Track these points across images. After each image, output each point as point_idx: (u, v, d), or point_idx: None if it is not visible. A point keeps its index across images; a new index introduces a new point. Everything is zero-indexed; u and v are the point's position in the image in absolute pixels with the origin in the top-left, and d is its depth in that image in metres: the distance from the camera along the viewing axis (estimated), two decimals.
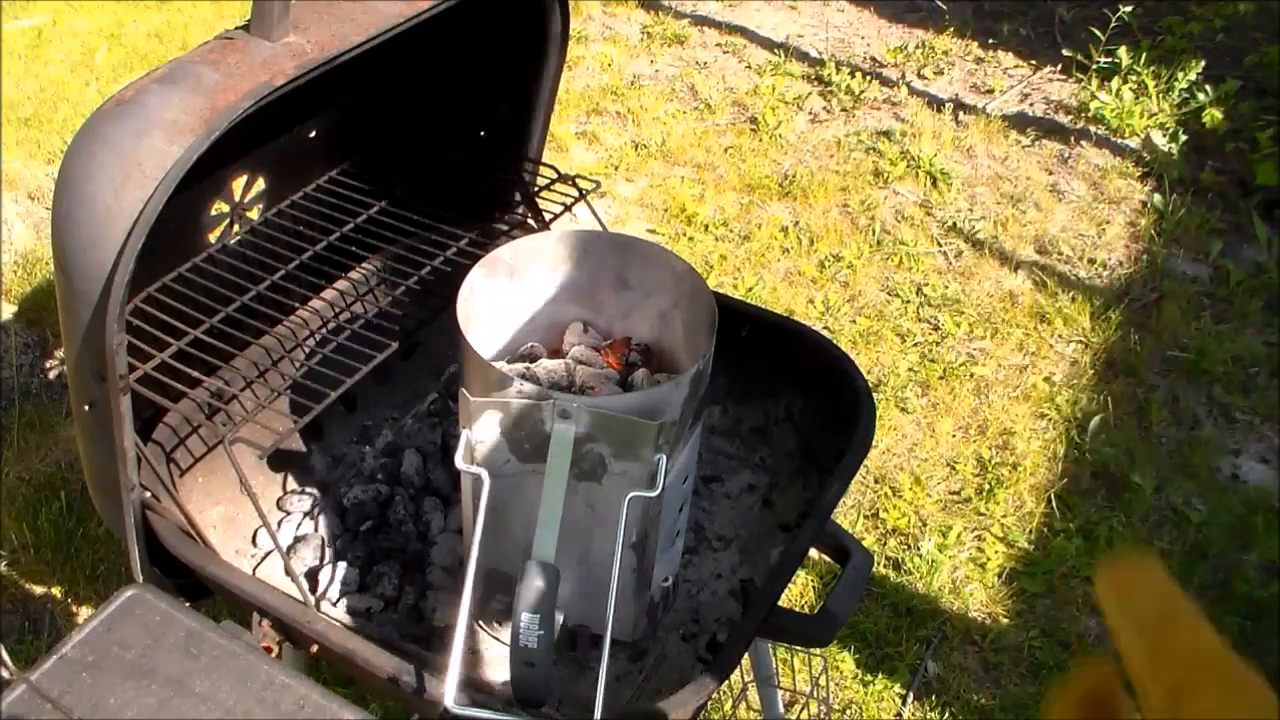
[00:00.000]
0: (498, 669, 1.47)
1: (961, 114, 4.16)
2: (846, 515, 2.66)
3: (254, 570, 1.61)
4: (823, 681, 2.18)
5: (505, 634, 1.49)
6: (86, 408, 1.38)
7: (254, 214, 1.72)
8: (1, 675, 1.23)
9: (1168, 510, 2.68)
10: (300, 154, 1.74)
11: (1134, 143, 4.00)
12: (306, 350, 1.70)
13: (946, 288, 3.34)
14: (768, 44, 4.60)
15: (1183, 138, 3.96)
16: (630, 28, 4.72)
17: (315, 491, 1.74)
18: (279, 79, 1.29)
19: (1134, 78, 4.20)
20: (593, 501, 1.33)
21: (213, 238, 1.67)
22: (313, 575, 1.61)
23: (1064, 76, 4.39)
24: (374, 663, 1.31)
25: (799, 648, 2.15)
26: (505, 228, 1.90)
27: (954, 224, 3.60)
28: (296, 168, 1.75)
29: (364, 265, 1.89)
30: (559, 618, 1.35)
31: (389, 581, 1.60)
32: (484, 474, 1.27)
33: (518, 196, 1.93)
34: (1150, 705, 0.42)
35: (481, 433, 1.28)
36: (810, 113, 4.19)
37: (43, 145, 3.81)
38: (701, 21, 4.75)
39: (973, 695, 2.30)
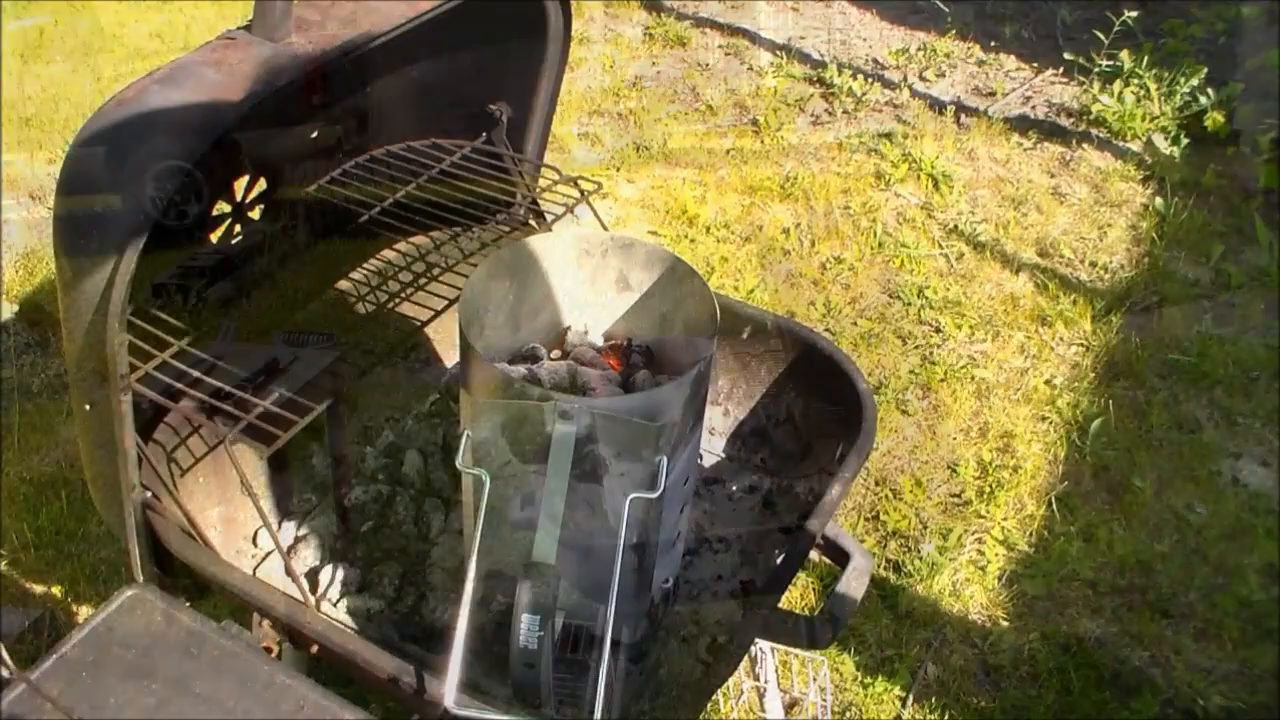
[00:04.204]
0: (498, 669, 1.47)
1: (963, 116, 4.15)
2: (847, 517, 2.66)
3: (254, 570, 1.61)
4: (823, 684, 2.18)
5: (505, 634, 1.48)
6: (87, 408, 1.38)
7: (254, 214, 1.72)
8: (1, 675, 1.23)
9: (1168, 513, 2.68)
10: (300, 154, 1.74)
11: (1136, 146, 4.00)
12: (307, 350, 1.70)
13: (948, 290, 3.34)
14: (770, 46, 4.60)
15: (1184, 141, 3.96)
16: (632, 29, 4.72)
17: (315, 492, 1.74)
18: (280, 79, 1.29)
19: (1136, 81, 4.20)
20: (593, 502, 1.33)
21: (213, 238, 1.67)
22: (313, 575, 1.61)
23: (1066, 79, 4.39)
24: (374, 663, 1.31)
25: (799, 650, 2.15)
26: (506, 228, 1.90)
27: (955, 226, 3.60)
28: (296, 168, 1.75)
29: (365, 265, 1.89)
30: (559, 618, 1.35)
31: (389, 582, 1.60)
32: (485, 475, 1.27)
33: (519, 197, 1.93)
34: None
35: (482, 434, 1.28)
36: (812, 115, 4.18)
37: (44, 145, 3.81)
38: (703, 23, 4.75)
39: (972, 698, 2.30)
